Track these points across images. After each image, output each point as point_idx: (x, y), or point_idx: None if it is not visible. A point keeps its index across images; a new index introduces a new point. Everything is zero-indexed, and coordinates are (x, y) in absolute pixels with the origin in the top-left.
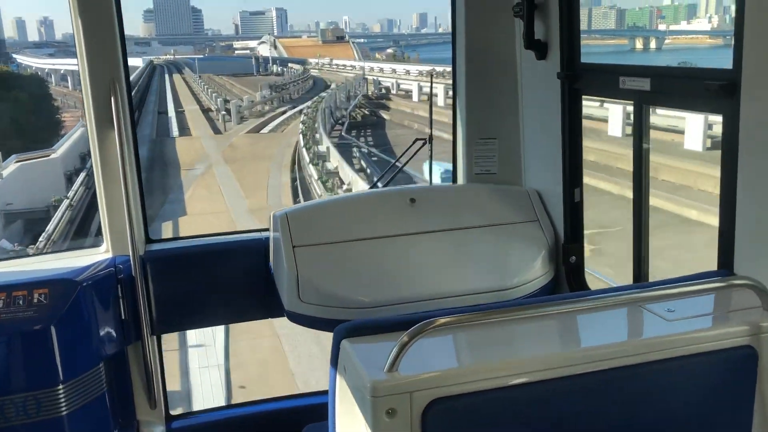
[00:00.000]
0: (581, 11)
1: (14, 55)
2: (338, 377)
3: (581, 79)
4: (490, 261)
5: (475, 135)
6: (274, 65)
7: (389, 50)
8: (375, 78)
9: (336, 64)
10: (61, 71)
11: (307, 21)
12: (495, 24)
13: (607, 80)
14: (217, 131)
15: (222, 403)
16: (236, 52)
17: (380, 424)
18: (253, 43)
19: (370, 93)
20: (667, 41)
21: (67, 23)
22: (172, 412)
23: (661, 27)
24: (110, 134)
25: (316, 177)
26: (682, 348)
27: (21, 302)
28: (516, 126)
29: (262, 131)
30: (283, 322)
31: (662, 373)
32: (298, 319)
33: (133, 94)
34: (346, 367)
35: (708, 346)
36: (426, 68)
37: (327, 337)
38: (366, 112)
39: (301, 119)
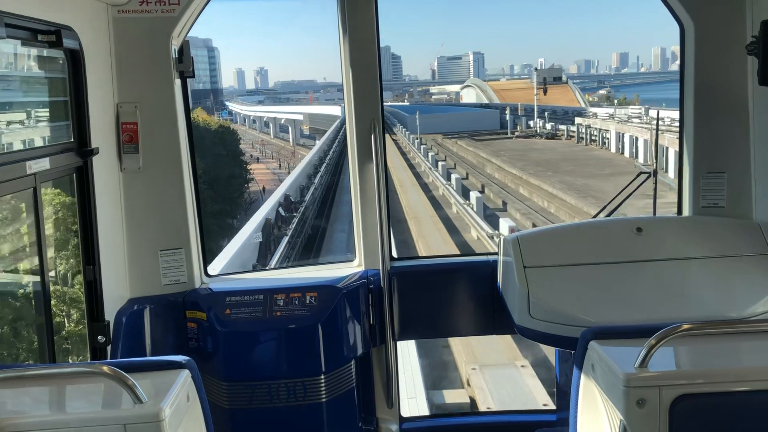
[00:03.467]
0: None
1: (227, 103)
2: (583, 376)
3: None
4: (717, 293)
5: (703, 168)
6: (539, 120)
7: (602, 91)
8: None
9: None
10: (264, 118)
11: (501, 65)
12: (726, 61)
13: None
14: None
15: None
16: (433, 97)
17: (631, 412)
18: (451, 88)
19: None
20: None
21: (279, 73)
22: (404, 414)
23: None
24: (369, 166)
25: None
26: None
27: (296, 302)
28: (747, 160)
29: None
30: None
31: None
32: (527, 333)
33: (313, 188)
34: (594, 365)
35: None
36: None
37: None
38: None
39: None
